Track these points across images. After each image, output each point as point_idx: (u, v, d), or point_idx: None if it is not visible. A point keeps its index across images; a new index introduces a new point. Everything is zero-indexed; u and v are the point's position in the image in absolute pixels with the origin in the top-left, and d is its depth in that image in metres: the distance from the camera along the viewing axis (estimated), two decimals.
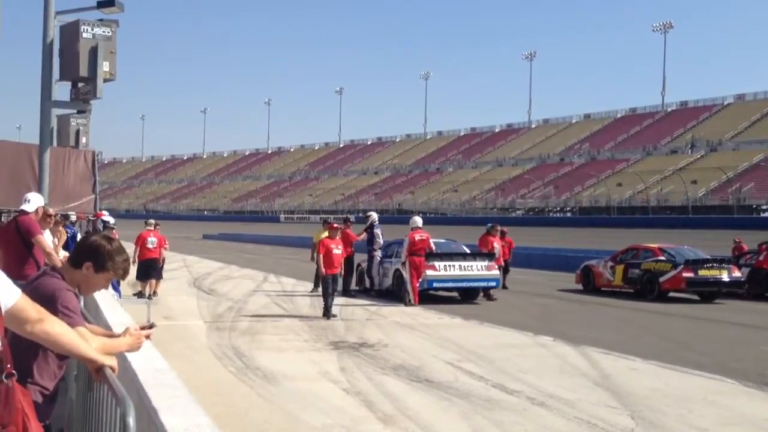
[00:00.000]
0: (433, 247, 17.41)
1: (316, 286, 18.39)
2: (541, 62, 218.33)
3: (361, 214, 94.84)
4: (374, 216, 19.59)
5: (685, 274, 17.77)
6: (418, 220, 17.64)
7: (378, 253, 18.62)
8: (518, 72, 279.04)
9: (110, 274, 3.40)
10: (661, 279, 18.21)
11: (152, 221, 18.01)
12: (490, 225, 19.98)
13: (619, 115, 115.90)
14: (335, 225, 15.95)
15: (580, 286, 20.49)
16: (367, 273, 18.84)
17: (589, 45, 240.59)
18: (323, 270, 14.61)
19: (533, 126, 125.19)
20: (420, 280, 16.70)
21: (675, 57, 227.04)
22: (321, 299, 14.74)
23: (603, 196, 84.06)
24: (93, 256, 3.35)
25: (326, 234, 15.56)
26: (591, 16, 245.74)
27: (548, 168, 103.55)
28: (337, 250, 14.90)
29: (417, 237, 16.93)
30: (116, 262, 3.38)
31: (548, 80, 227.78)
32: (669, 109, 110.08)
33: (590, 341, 11.72)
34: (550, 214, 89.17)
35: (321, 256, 14.75)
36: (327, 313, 14.26)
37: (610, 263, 19.92)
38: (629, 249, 20.37)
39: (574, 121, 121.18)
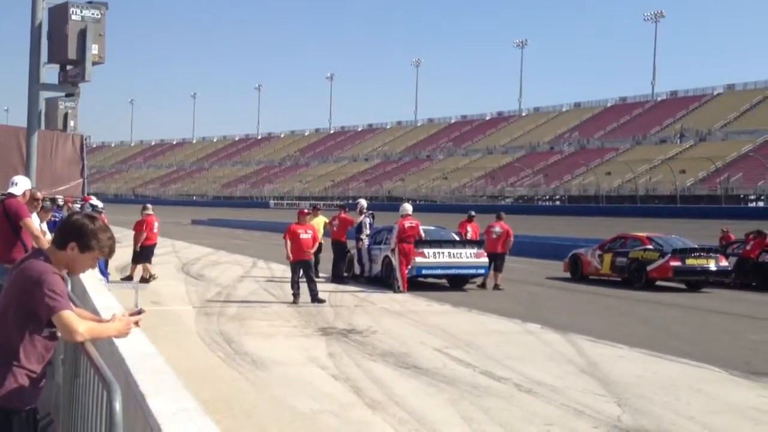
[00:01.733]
0: (423, 235, 17.42)
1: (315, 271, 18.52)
2: (532, 50, 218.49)
3: (351, 201, 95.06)
4: (363, 202, 19.60)
5: (673, 263, 17.86)
6: (408, 207, 17.63)
7: (366, 240, 18.61)
8: (509, 60, 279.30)
9: (96, 253, 3.36)
10: (649, 267, 18.29)
11: (149, 206, 18.06)
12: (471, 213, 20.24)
13: (609, 104, 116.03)
14: (306, 211, 15.94)
15: (568, 275, 20.57)
16: (357, 260, 18.85)
17: (580, 34, 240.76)
18: (290, 256, 14.49)
19: (524, 114, 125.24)
20: (409, 267, 16.72)
21: (665, 46, 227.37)
22: (310, 285, 14.65)
23: (592, 184, 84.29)
24: (77, 235, 3.32)
25: (319, 219, 15.54)
26: (583, 4, 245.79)
27: (538, 156, 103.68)
28: (305, 235, 14.70)
29: (407, 224, 16.93)
30: (101, 241, 3.34)
31: (539, 68, 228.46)
32: (659, 99, 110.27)
33: (578, 329, 11.78)
34: (540, 203, 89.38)
35: (288, 242, 14.62)
36: (296, 299, 14.18)
37: (598, 252, 20.00)
38: (617, 237, 20.45)
39: (564, 109, 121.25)
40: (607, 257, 19.55)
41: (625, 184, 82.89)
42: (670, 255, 18.01)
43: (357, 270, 18.80)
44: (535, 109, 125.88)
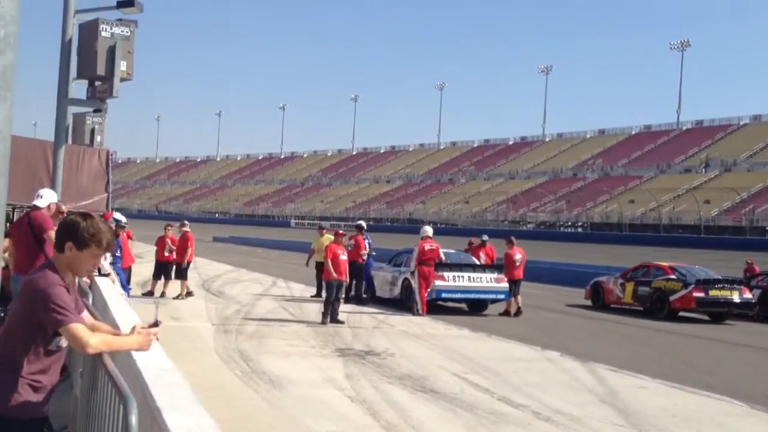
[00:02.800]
0: (443, 257, 17.36)
1: (319, 291, 18.48)
2: (557, 76, 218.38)
3: (372, 222, 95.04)
4: (362, 224, 19.78)
5: (696, 294, 17.65)
6: (428, 230, 17.53)
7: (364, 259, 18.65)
8: (533, 85, 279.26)
9: (93, 249, 3.31)
10: (672, 298, 18.09)
11: (187, 222, 18.94)
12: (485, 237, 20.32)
13: (633, 132, 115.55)
14: (341, 231, 16.01)
15: (589, 302, 20.38)
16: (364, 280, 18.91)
17: (606, 61, 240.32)
18: (333, 275, 14.63)
19: (547, 139, 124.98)
20: (429, 290, 16.65)
21: (691, 75, 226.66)
22: (335, 305, 14.69)
23: (615, 212, 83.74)
24: (71, 234, 3.30)
25: (324, 239, 15.67)
26: (608, 32, 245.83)
27: (561, 182, 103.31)
28: (344, 256, 14.94)
29: (427, 246, 16.83)
30: (95, 235, 3.32)
31: (564, 95, 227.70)
32: (684, 128, 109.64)
33: (598, 358, 11.64)
34: (561, 229, 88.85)
35: (328, 261, 14.77)
36: (325, 319, 14.24)
37: (620, 280, 19.82)
38: (640, 266, 20.26)
39: (588, 136, 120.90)
40: (630, 286, 19.36)
41: (649, 212, 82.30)
42: (693, 285, 17.80)
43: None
44: (559, 135, 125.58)
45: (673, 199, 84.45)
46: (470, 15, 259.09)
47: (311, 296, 18.99)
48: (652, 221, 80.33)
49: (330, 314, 14.36)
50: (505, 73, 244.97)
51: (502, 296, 17.51)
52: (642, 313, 18.65)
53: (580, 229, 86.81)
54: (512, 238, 18.40)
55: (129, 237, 17.02)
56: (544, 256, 37.67)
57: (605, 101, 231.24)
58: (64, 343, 3.27)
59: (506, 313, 17.32)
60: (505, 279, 17.44)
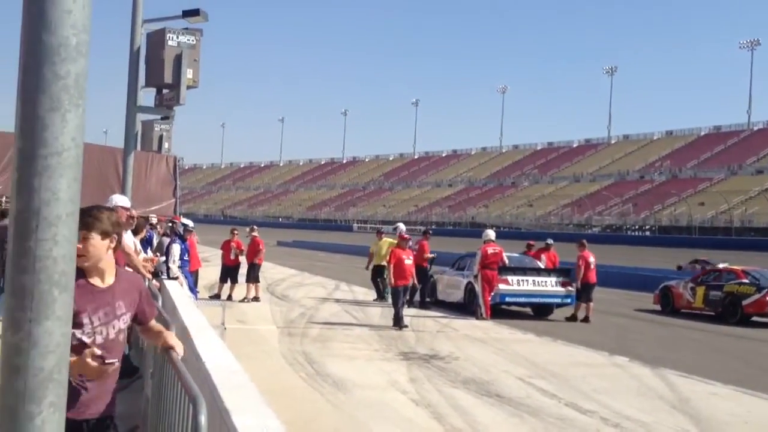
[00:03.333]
0: (507, 261, 17.23)
1: (379, 295, 18.58)
2: (622, 77, 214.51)
3: (434, 226, 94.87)
4: (401, 227, 19.78)
5: None
6: (491, 233, 17.40)
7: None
8: (598, 87, 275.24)
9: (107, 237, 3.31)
10: (744, 302, 17.55)
11: (256, 227, 19.46)
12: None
13: (702, 133, 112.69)
14: (406, 236, 15.96)
15: (658, 307, 19.94)
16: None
17: (673, 60, 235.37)
18: (393, 280, 14.64)
19: (612, 141, 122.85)
20: (492, 293, 16.53)
21: (762, 75, 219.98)
22: (392, 309, 14.76)
23: (684, 215, 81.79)
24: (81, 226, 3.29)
25: (382, 243, 15.71)
26: (675, 31, 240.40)
27: (627, 185, 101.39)
28: (408, 261, 14.93)
29: (490, 250, 16.69)
30: (102, 221, 3.31)
31: (629, 95, 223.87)
32: (755, 128, 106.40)
33: (668, 363, 11.37)
34: (628, 232, 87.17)
35: (392, 266, 14.79)
36: (398, 323, 14.25)
37: (690, 284, 19.33)
38: (711, 270, 19.73)
39: (655, 137, 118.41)
40: (700, 290, 18.86)
41: (720, 215, 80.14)
42: (767, 290, 17.26)
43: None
44: (625, 137, 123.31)
45: (745, 201, 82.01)
46: (532, 16, 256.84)
47: (374, 300, 19.06)
48: (722, 224, 78.18)
49: (394, 317, 14.38)
50: (569, 75, 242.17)
51: (568, 301, 17.25)
52: (713, 318, 18.14)
53: (647, 233, 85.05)
54: (584, 240, 18.12)
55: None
56: (611, 260, 37.00)
57: (673, 102, 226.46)
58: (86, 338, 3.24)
59: (573, 317, 16.98)
60: (571, 283, 17.17)
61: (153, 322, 3.61)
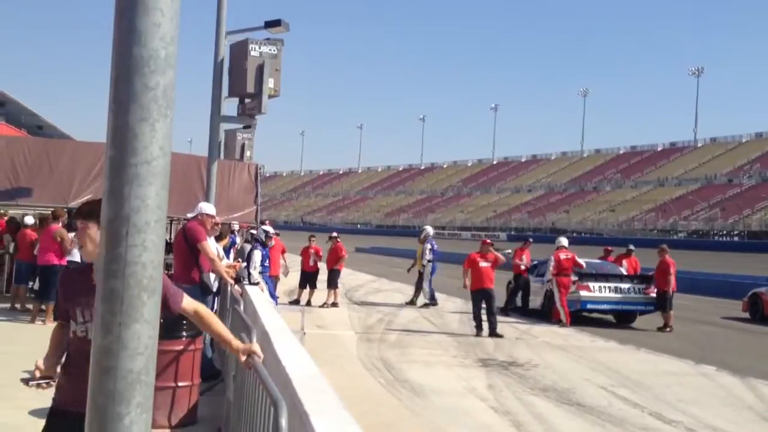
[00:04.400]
0: (583, 265, 17.01)
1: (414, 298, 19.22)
2: (708, 78, 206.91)
3: (513, 232, 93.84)
4: (429, 229, 19.63)
5: None
6: (563, 240, 17.51)
7: (429, 266, 18.86)
8: (684, 88, 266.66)
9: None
10: None
11: (336, 233, 19.63)
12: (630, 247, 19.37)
13: None
14: (488, 240, 15.80)
15: (747, 315, 19.24)
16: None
17: (761, 59, 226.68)
18: (466, 285, 14.55)
19: (699, 145, 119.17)
20: (564, 299, 16.33)
21: None
22: (470, 316, 14.69)
23: None
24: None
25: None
26: (762, 29, 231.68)
27: (714, 189, 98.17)
28: (484, 264, 14.64)
29: (562, 256, 16.70)
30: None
31: (716, 97, 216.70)
32: None
33: (758, 373, 10.95)
34: (716, 238, 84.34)
35: (468, 271, 14.64)
36: (479, 331, 14.09)
37: None
38: None
39: (744, 140, 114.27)
40: None
41: None
42: None
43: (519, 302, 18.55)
44: (712, 140, 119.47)
45: None
46: (614, 16, 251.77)
47: (405, 303, 19.30)
48: None
49: (489, 327, 14.08)
50: (652, 77, 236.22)
51: (651, 308, 16.80)
52: None
53: (736, 238, 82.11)
54: (665, 245, 17.59)
55: (283, 252, 17.86)
56: (698, 266, 35.90)
57: (762, 103, 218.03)
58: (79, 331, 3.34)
59: (665, 326, 16.26)
60: (654, 291, 16.71)
61: (208, 317, 3.71)
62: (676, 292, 17.07)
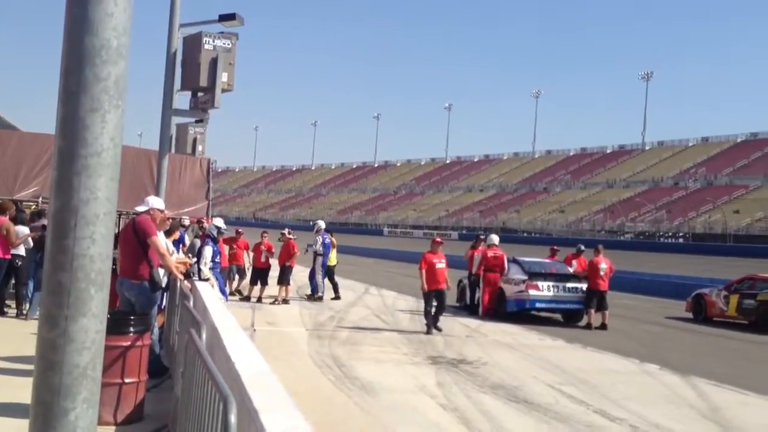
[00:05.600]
0: (506, 266, 17.66)
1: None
2: (657, 82, 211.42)
3: (464, 231, 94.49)
4: (320, 223, 20.07)
5: None
6: (494, 238, 18.59)
7: (320, 259, 19.05)
8: (633, 92, 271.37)
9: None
10: None
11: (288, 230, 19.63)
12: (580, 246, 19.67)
13: (739, 140, 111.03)
14: (438, 239, 15.91)
15: (690, 315, 19.69)
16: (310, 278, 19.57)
17: (709, 66, 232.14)
18: (425, 286, 14.58)
19: (647, 148, 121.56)
20: (489, 295, 17.32)
21: None
22: (421, 314, 14.78)
23: (719, 223, 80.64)
24: None
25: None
26: (711, 36, 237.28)
27: (661, 191, 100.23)
28: (441, 264, 14.84)
29: (490, 254, 17.71)
30: None
31: (665, 101, 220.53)
32: None
33: (699, 372, 11.23)
34: (661, 239, 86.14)
35: (423, 271, 14.73)
36: (430, 329, 14.22)
37: (723, 292, 19.07)
38: (745, 278, 19.44)
39: (690, 144, 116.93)
40: (734, 299, 18.59)
41: (755, 223, 78.88)
42: None
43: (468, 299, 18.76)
44: (660, 143, 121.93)
45: None
46: (566, 20, 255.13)
47: (331, 298, 19.28)
48: (758, 232, 76.93)
49: (433, 320, 14.37)
50: (603, 80, 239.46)
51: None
52: (747, 327, 17.86)
53: (681, 240, 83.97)
54: (600, 246, 17.92)
55: (246, 248, 17.99)
56: (643, 267, 36.64)
57: (709, 108, 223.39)
58: None
59: (588, 326, 16.47)
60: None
61: None
62: (623, 293, 17.38)
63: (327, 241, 19.58)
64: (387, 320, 16.12)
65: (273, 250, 18.79)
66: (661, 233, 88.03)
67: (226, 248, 17.31)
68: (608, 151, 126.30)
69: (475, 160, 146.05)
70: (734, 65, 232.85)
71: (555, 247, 20.86)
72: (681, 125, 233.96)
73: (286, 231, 19.30)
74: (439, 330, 14.30)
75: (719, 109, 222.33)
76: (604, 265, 17.02)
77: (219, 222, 13.83)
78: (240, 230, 19.34)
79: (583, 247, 19.91)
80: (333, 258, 19.98)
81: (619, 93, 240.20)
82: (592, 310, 16.55)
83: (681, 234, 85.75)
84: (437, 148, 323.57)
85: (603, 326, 16.38)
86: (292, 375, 9.20)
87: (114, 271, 7.77)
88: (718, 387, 10.20)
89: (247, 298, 18.05)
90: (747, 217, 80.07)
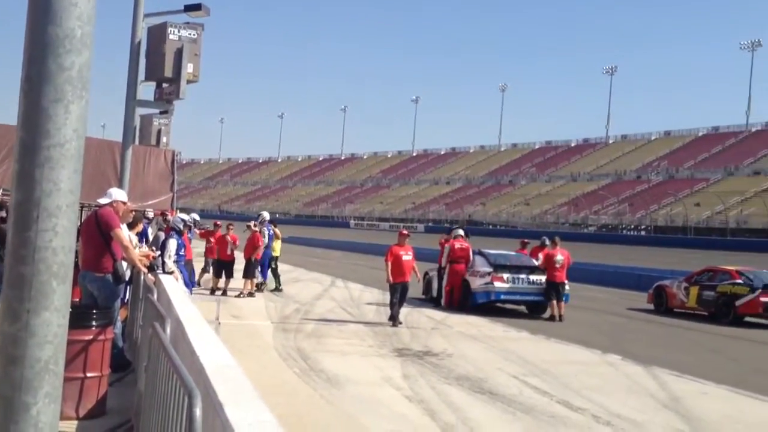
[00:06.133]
0: (471, 258, 17.85)
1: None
2: (621, 77, 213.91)
3: (431, 224, 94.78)
4: (265, 214, 20.10)
5: (763, 299, 17.15)
6: (460, 231, 18.84)
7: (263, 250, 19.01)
8: (597, 86, 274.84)
9: None
10: (738, 303, 17.62)
11: (256, 223, 19.23)
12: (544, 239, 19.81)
13: (700, 134, 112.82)
14: (404, 232, 15.95)
15: (651, 306, 20.00)
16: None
17: (672, 61, 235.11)
18: (390, 278, 14.62)
19: (610, 141, 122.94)
20: (451, 286, 17.54)
21: (761, 76, 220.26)
22: (387, 306, 14.82)
23: (680, 215, 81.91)
24: None
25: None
26: (675, 31, 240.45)
27: (624, 185, 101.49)
28: (407, 257, 14.87)
29: (457, 245, 17.92)
30: None
31: (628, 95, 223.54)
32: (753, 129, 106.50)
33: (660, 362, 11.42)
34: (624, 232, 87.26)
35: (389, 263, 14.76)
36: (395, 321, 14.28)
37: (684, 284, 19.40)
38: (705, 270, 19.79)
39: (653, 137, 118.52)
40: (694, 290, 18.93)
41: (715, 216, 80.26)
42: (760, 290, 17.31)
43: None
44: (623, 137, 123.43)
45: (741, 202, 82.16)
46: (533, 16, 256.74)
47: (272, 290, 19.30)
48: (718, 225, 78.28)
49: (396, 313, 14.42)
50: (569, 75, 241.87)
51: (564, 299, 17.27)
52: (706, 318, 18.21)
53: (643, 233, 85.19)
54: (556, 238, 18.15)
55: (235, 242, 17.96)
56: (606, 259, 37.10)
57: (672, 102, 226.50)
58: None
59: (551, 317, 16.70)
60: (565, 280, 17.19)
61: None
62: (587, 284, 17.59)
63: (271, 232, 19.60)
64: (353, 313, 16.14)
65: (238, 243, 18.70)
66: (623, 226, 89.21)
67: (203, 242, 17.39)
68: (573, 145, 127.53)
69: (442, 152, 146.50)
70: (697, 60, 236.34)
71: (525, 240, 21.00)
72: (644, 119, 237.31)
73: (252, 224, 19.19)
74: (400, 323, 14.35)
75: (682, 103, 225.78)
76: (560, 257, 17.17)
77: (186, 216, 13.70)
78: (218, 223, 19.27)
79: (547, 240, 20.09)
80: (277, 249, 19.94)
81: (584, 87, 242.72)
82: (554, 302, 16.73)
83: (643, 226, 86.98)
84: (404, 140, 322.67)
85: (559, 317, 16.57)
86: (257, 368, 9.18)
87: (76, 264, 7.68)
88: (678, 377, 10.39)
89: (212, 291, 17.92)
90: (707, 210, 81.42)
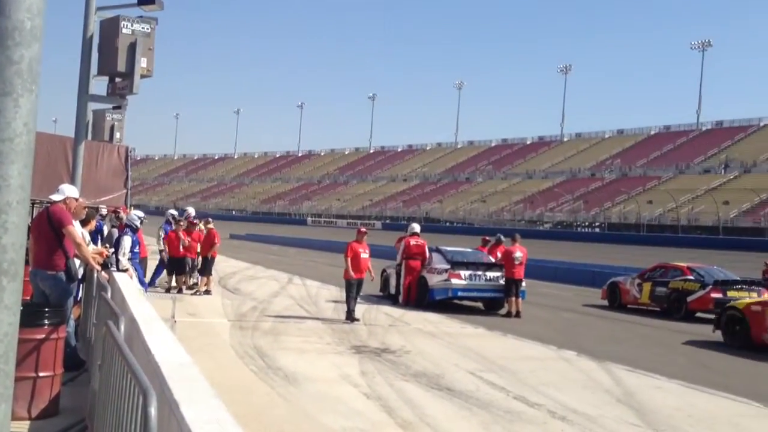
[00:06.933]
0: (428, 255, 17.88)
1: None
2: (576, 76, 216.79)
3: (388, 221, 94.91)
4: (191, 210, 20.70)
5: (714, 295, 17.51)
6: (416, 227, 18.79)
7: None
8: (552, 85, 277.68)
9: None
10: (689, 298, 17.98)
11: (212, 220, 19.33)
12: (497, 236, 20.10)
13: (652, 132, 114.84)
14: (364, 230, 15.96)
15: (605, 302, 20.29)
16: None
17: (626, 60, 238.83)
18: (351, 274, 14.63)
19: (565, 139, 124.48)
20: (410, 282, 17.57)
21: (712, 76, 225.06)
22: (344, 303, 14.82)
23: (633, 213, 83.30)
24: None
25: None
26: (628, 31, 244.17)
27: (578, 182, 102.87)
28: (365, 255, 14.95)
29: (413, 242, 17.93)
30: None
31: (582, 94, 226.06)
32: (704, 128, 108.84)
33: (614, 358, 11.60)
34: (578, 229, 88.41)
35: (348, 259, 14.79)
36: (350, 317, 14.32)
37: (637, 280, 19.72)
38: (657, 267, 20.15)
39: (606, 136, 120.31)
40: (647, 286, 19.26)
41: (667, 213, 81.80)
42: (711, 286, 17.68)
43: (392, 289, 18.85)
44: (577, 135, 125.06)
45: (692, 199, 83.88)
46: (489, 14, 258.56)
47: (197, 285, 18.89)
48: (670, 222, 79.80)
49: (352, 308, 14.47)
50: (524, 73, 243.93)
51: (520, 296, 17.43)
52: (659, 314, 18.54)
53: (597, 230, 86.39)
54: (516, 235, 18.26)
55: (199, 240, 17.72)
56: (561, 255, 37.58)
57: (624, 102, 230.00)
58: None
59: (508, 314, 16.85)
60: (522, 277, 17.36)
61: None
62: (542, 281, 17.77)
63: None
64: (310, 310, 16.09)
65: (201, 240, 18.47)
66: (578, 223, 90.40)
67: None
68: (528, 143, 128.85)
69: (399, 150, 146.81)
70: (649, 60, 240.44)
71: (486, 238, 21.08)
72: (598, 118, 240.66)
73: (209, 220, 19.00)
74: (357, 320, 14.38)
75: (634, 102, 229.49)
76: (519, 254, 17.26)
77: (137, 212, 13.51)
78: (194, 221, 18.85)
79: (502, 237, 20.28)
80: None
81: (540, 86, 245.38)
82: (513, 298, 16.87)
83: (597, 224, 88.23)
84: (361, 137, 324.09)
85: (517, 314, 16.70)
86: (213, 366, 9.10)
87: (27, 261, 7.52)
88: (632, 372, 10.56)
89: (168, 290, 17.70)
90: (659, 207, 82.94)
